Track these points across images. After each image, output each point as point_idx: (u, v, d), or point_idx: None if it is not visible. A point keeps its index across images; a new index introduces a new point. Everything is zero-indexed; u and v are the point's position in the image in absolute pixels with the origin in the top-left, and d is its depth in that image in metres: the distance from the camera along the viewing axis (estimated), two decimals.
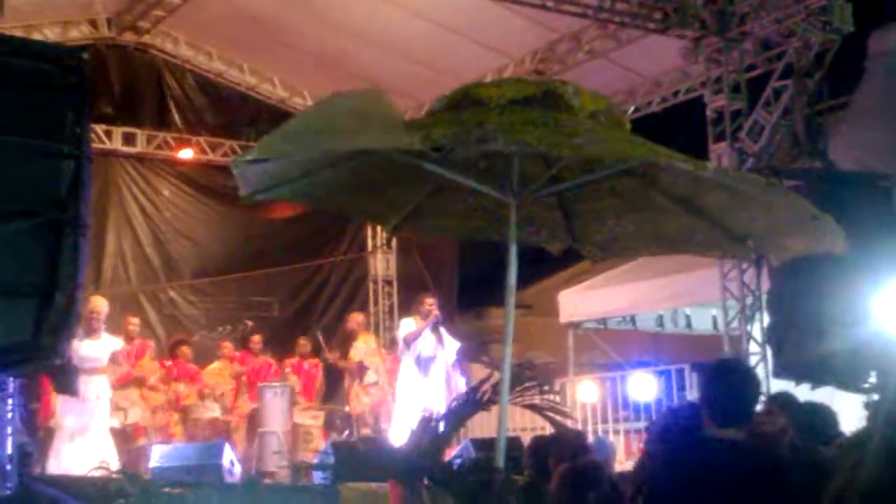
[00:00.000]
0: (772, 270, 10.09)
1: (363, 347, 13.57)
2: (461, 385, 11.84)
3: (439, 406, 10.60)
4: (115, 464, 10.43)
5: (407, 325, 12.24)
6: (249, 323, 14.58)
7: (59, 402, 11.23)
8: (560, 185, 5.20)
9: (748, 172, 9.85)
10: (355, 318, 14.18)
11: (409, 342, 11.97)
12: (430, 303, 12.29)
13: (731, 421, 4.07)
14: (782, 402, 6.13)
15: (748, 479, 3.95)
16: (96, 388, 11.32)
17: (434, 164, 4.98)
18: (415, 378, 11.92)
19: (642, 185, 5.25)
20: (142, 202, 16.44)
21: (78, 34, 15.40)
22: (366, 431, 12.53)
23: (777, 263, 5.64)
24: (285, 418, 12.75)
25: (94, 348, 11.35)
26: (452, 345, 12.19)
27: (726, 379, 4.20)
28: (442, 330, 12.18)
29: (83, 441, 11.13)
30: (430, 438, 5.01)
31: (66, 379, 9.88)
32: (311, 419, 13.31)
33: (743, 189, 4.46)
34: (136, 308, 15.02)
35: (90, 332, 11.33)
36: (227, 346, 14.01)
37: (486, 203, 5.29)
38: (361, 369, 13.26)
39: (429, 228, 6.65)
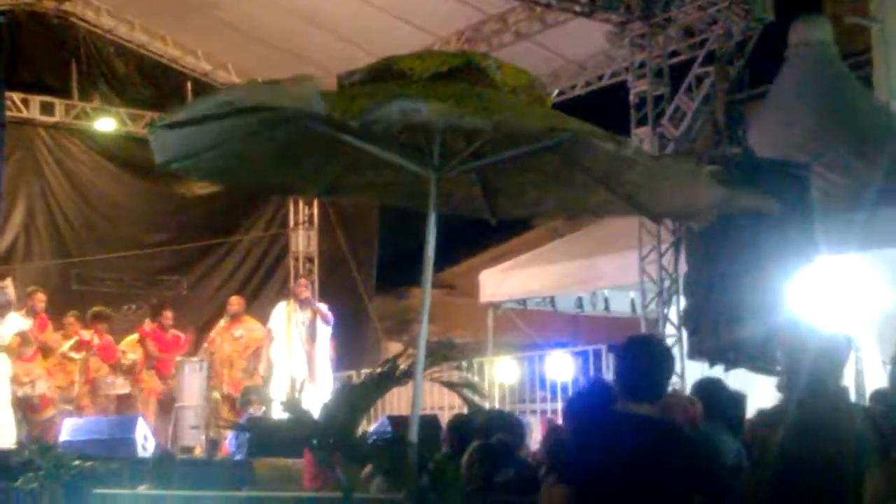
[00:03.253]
0: (690, 255, 10.24)
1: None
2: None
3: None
4: (12, 437, 10.43)
5: (278, 311, 12.92)
6: (155, 301, 14.51)
7: None
8: (481, 161, 5.20)
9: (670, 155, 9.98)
10: (238, 301, 14.23)
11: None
12: (304, 284, 13.30)
13: (642, 396, 4.12)
14: (706, 386, 6.27)
15: (655, 453, 4.00)
16: (3, 368, 11.35)
17: (353, 136, 4.95)
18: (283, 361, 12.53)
19: (564, 162, 5.27)
20: (57, 174, 16.17)
21: None
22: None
23: (697, 228, 5.74)
24: (202, 393, 12.68)
25: (4, 327, 11.56)
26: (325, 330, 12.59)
27: (638, 355, 4.24)
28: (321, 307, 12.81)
29: None
30: (345, 412, 5.01)
31: None
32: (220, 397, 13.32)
33: (660, 169, 4.50)
34: (44, 282, 14.73)
35: (4, 312, 11.39)
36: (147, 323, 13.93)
37: (407, 176, 5.27)
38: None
39: (350, 197, 6.62)
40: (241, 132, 5.10)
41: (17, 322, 11.89)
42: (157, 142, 5.15)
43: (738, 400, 6.06)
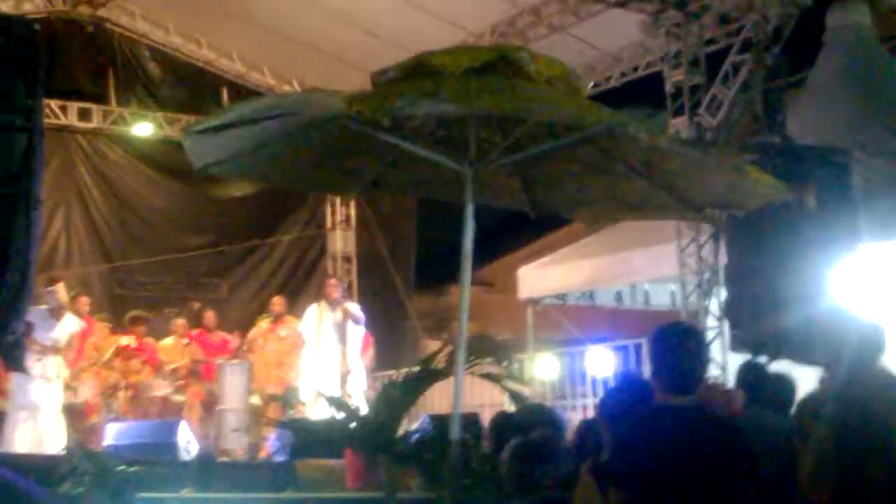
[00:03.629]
0: (730, 246, 10.13)
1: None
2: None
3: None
4: (63, 442, 10.48)
5: (309, 313, 12.76)
6: (197, 305, 14.50)
7: (15, 381, 11.29)
8: (517, 154, 5.15)
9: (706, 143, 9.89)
10: (280, 301, 14.19)
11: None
12: (333, 284, 12.87)
13: (678, 387, 4.03)
14: (749, 371, 6.20)
15: (701, 442, 3.92)
16: (55, 368, 11.42)
17: (389, 134, 4.92)
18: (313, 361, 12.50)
19: (601, 153, 5.21)
20: (95, 179, 16.27)
21: (32, 7, 15.18)
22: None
23: (741, 214, 5.65)
24: (244, 396, 12.69)
25: (59, 330, 11.62)
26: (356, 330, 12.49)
27: (669, 344, 4.13)
28: (352, 307, 12.61)
29: (39, 419, 11.16)
30: (386, 412, 4.98)
31: (15, 356, 9.80)
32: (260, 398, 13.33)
33: (699, 157, 4.44)
34: (85, 287, 14.82)
35: (59, 315, 11.48)
36: (180, 324, 13.94)
37: (447, 171, 5.23)
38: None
39: (391, 193, 6.58)
40: (278, 134, 5.08)
41: (73, 323, 11.99)
42: (193, 148, 5.14)
43: (784, 381, 5.97)
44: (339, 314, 12.44)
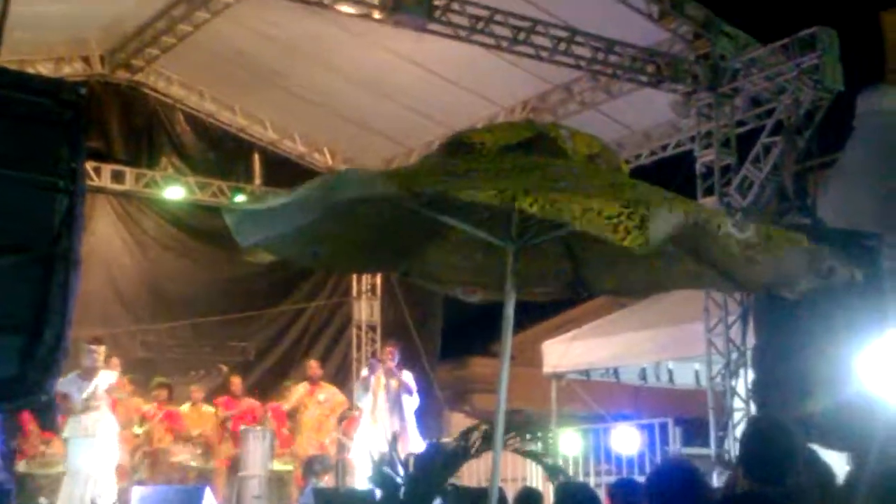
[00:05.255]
0: (758, 326, 10.10)
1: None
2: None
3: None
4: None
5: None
6: (224, 368, 14.54)
7: (73, 441, 11.35)
8: (558, 231, 5.18)
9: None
10: (318, 365, 14.33)
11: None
12: (390, 351, 12.67)
13: (771, 478, 4.07)
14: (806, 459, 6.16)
15: None
16: (93, 426, 11.35)
17: (434, 210, 4.97)
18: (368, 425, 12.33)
19: None
20: (126, 240, 16.37)
21: (71, 71, 15.39)
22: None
23: (792, 297, 5.61)
24: (266, 462, 12.65)
25: (92, 387, 11.58)
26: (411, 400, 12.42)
27: (770, 438, 4.21)
28: (405, 377, 12.46)
29: (81, 481, 11.14)
30: (421, 485, 4.97)
31: (49, 416, 9.84)
32: (284, 465, 13.29)
33: (743, 238, 4.46)
34: (113, 348, 14.86)
35: (91, 376, 11.50)
36: (197, 390, 13.94)
37: (498, 260, 5.25)
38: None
39: (438, 285, 6.50)
40: (327, 213, 5.05)
41: (108, 377, 11.93)
42: (237, 225, 5.14)
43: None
44: (394, 383, 12.34)
